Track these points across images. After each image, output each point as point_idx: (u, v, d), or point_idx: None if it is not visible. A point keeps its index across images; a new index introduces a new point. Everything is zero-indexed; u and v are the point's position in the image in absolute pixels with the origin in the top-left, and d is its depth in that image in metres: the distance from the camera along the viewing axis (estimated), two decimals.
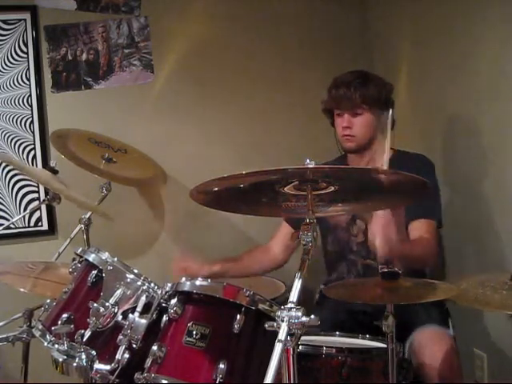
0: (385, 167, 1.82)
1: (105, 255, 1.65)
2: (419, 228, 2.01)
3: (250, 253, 2.31)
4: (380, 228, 1.71)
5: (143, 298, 1.55)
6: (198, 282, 1.47)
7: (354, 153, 2.18)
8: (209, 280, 1.50)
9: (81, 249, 1.75)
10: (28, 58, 2.69)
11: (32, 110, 2.70)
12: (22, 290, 2.07)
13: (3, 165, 2.67)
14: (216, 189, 1.36)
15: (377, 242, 1.70)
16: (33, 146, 2.70)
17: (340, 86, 2.10)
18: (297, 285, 1.26)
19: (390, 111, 2.08)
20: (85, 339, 1.52)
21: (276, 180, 1.31)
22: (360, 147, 2.15)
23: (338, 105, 2.12)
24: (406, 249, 1.82)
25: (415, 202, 1.95)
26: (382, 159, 2.14)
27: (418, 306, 1.96)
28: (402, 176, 1.32)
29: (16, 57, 2.68)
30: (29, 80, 2.69)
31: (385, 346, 1.59)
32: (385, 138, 1.95)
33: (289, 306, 1.21)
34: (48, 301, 1.74)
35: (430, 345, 1.85)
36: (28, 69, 2.69)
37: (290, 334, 1.18)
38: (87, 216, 2.37)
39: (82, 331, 1.53)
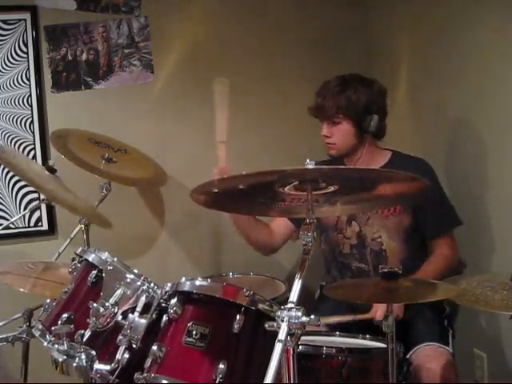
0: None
1: (105, 255, 1.64)
2: (439, 247, 2.14)
3: (262, 221, 2.31)
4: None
5: (143, 298, 1.55)
6: (198, 282, 1.47)
7: (338, 158, 2.19)
8: (209, 280, 1.50)
9: (81, 249, 1.75)
10: (28, 58, 2.69)
11: (32, 110, 2.70)
12: (21, 290, 2.07)
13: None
14: (216, 190, 1.36)
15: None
16: (33, 146, 2.70)
17: (318, 96, 2.13)
18: (297, 285, 1.26)
19: (375, 117, 2.08)
20: (85, 339, 1.52)
21: (275, 181, 1.32)
22: (342, 154, 2.16)
23: (315, 115, 2.16)
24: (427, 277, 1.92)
25: (414, 202, 1.98)
26: (374, 162, 2.16)
27: (417, 323, 1.98)
28: (402, 176, 1.32)
29: (16, 57, 2.68)
30: (29, 80, 2.69)
31: (385, 346, 1.59)
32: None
33: (289, 306, 1.21)
34: (48, 301, 1.74)
35: (429, 362, 1.85)
36: (28, 69, 2.69)
37: (290, 333, 1.18)
38: (86, 218, 2.37)
39: (82, 331, 1.53)
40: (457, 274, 2.20)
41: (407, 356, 1.87)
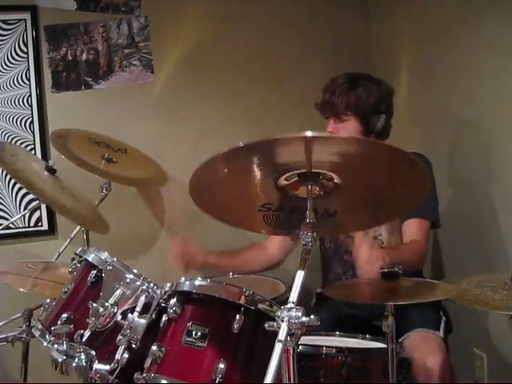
0: None
1: (104, 255, 1.64)
2: (412, 227, 2.02)
3: (246, 251, 2.32)
4: (364, 252, 1.78)
5: (142, 298, 1.55)
6: (198, 282, 1.47)
7: None
8: (208, 280, 1.49)
9: (80, 249, 1.74)
10: (28, 57, 2.69)
11: (32, 110, 2.70)
12: (21, 290, 2.07)
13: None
14: (223, 168, 1.34)
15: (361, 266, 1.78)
16: (33, 146, 2.70)
17: (326, 92, 2.10)
18: (297, 285, 1.25)
19: (382, 116, 2.07)
20: (84, 339, 1.52)
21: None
22: None
23: (322, 110, 2.13)
24: (394, 258, 1.82)
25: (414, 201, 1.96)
26: None
27: (411, 309, 1.97)
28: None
29: (16, 57, 2.69)
30: (29, 80, 2.69)
31: (385, 346, 1.59)
32: None
33: (289, 305, 1.21)
34: (47, 301, 1.74)
35: (419, 346, 1.86)
36: (28, 69, 2.69)
37: (289, 334, 1.18)
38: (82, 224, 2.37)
39: (82, 331, 1.53)
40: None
41: (399, 340, 1.86)
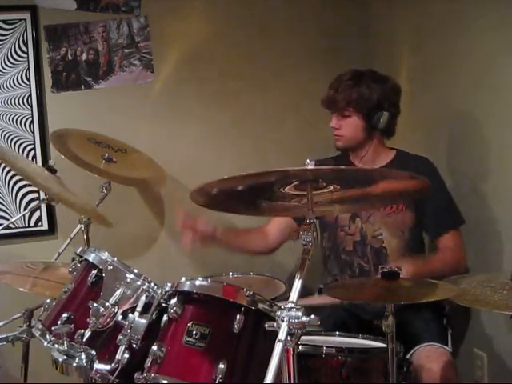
0: None
1: (105, 255, 1.64)
2: (446, 242, 2.11)
3: (249, 232, 2.36)
4: None
5: (143, 298, 1.55)
6: (198, 282, 1.47)
7: (345, 151, 2.20)
8: (209, 280, 1.50)
9: (81, 248, 1.75)
10: (28, 58, 2.69)
11: (32, 110, 2.70)
12: (21, 289, 2.07)
13: (3, 164, 2.66)
14: (215, 191, 1.36)
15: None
16: (33, 146, 2.70)
17: (330, 88, 2.15)
18: (297, 285, 1.26)
19: (385, 114, 2.08)
20: (85, 339, 1.52)
21: (275, 181, 1.32)
22: (349, 147, 2.18)
23: (326, 106, 2.17)
24: (423, 269, 1.91)
25: (413, 199, 1.98)
26: (378, 161, 2.16)
27: (417, 323, 1.98)
28: (401, 175, 1.33)
29: (16, 57, 2.69)
30: (29, 80, 2.69)
31: (385, 345, 1.59)
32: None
33: (289, 305, 1.21)
34: (48, 300, 1.74)
35: (429, 362, 1.86)
36: (28, 69, 2.69)
37: (289, 333, 1.18)
38: (87, 216, 2.37)
39: (82, 331, 1.53)
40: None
41: (407, 356, 1.87)
